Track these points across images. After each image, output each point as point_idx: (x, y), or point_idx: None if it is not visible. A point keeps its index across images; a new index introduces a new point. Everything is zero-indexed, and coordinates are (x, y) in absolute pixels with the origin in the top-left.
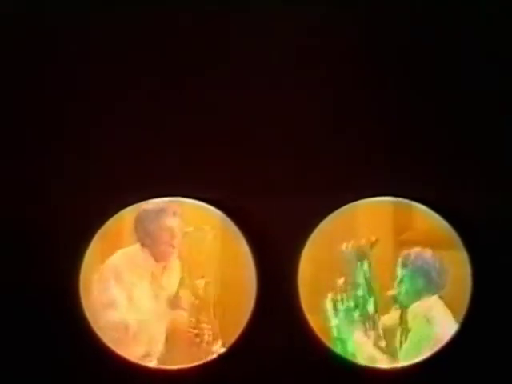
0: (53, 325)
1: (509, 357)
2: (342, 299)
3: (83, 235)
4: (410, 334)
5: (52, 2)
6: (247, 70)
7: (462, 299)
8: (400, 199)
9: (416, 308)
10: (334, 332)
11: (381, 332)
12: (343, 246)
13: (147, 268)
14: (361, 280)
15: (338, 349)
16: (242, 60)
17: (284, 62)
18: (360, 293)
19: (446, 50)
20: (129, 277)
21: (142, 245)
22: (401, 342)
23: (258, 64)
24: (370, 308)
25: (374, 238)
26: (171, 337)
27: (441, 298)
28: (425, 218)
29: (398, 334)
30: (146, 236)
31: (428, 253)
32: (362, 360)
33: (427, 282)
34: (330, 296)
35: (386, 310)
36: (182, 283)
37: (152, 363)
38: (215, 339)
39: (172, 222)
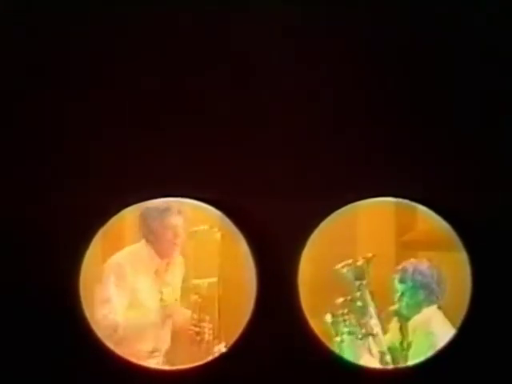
0: (53, 325)
1: (509, 359)
2: (345, 320)
3: (83, 235)
4: (412, 349)
5: (52, 2)
6: (247, 70)
7: (461, 302)
8: (401, 200)
9: (416, 321)
10: (338, 350)
11: (385, 349)
12: (340, 266)
13: (151, 264)
14: (360, 299)
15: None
16: (242, 60)
17: (284, 62)
18: (360, 311)
19: (446, 50)
20: (132, 273)
21: (147, 241)
22: (405, 357)
23: (258, 64)
24: (374, 327)
25: (370, 255)
26: (175, 333)
27: (439, 308)
28: (425, 218)
29: (401, 348)
30: (150, 233)
31: (425, 265)
32: None
33: (428, 293)
34: (330, 315)
35: (386, 325)
36: (185, 281)
37: (159, 359)
38: (216, 338)
39: (176, 220)
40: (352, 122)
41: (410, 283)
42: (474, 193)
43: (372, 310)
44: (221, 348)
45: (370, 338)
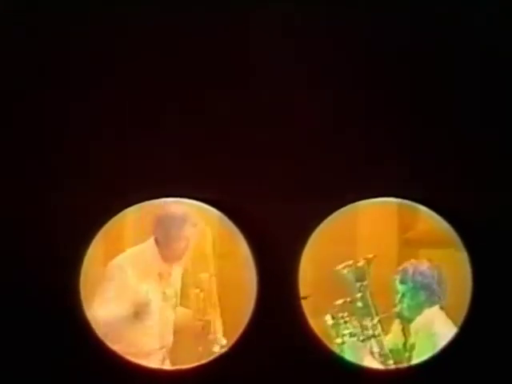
0: (53, 325)
1: (509, 357)
2: (345, 322)
3: (83, 235)
4: (415, 351)
5: (52, 2)
6: (247, 70)
7: (462, 301)
8: (401, 200)
9: (418, 322)
10: (339, 350)
11: (389, 354)
12: (341, 267)
13: (155, 265)
14: (361, 300)
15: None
16: (242, 61)
17: (284, 62)
18: (361, 312)
19: (446, 50)
20: (135, 274)
21: (156, 242)
22: (408, 359)
23: (258, 65)
24: (375, 329)
25: (370, 255)
26: (179, 331)
27: (442, 308)
28: (427, 219)
29: (404, 350)
30: (164, 238)
31: (425, 265)
32: None
33: (429, 294)
34: (330, 316)
35: (388, 327)
36: (185, 277)
37: (162, 356)
38: (219, 329)
39: (191, 232)
40: (352, 122)
41: (410, 284)
42: (473, 193)
43: (373, 311)
44: (224, 340)
45: (372, 340)
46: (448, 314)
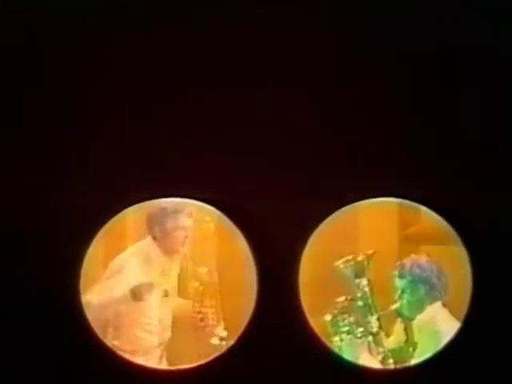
0: (53, 325)
1: (510, 355)
2: (344, 319)
3: (83, 235)
4: (418, 349)
5: (52, 2)
6: (247, 70)
7: (463, 298)
8: (401, 200)
9: (421, 320)
10: (337, 349)
11: (387, 352)
12: (340, 263)
13: (157, 261)
14: (360, 298)
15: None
16: (241, 61)
17: (284, 62)
18: (361, 311)
19: (446, 50)
20: (136, 271)
21: (154, 238)
22: (411, 358)
23: (257, 64)
24: (374, 326)
25: (370, 251)
26: (177, 324)
27: (444, 305)
28: (427, 219)
29: (407, 349)
30: (160, 232)
31: (423, 259)
32: None
33: (429, 289)
34: (330, 314)
35: (390, 327)
36: (184, 271)
37: (160, 353)
38: (219, 322)
39: (187, 222)
40: (352, 121)
41: (408, 277)
42: (473, 193)
43: (372, 308)
44: (223, 331)
45: (370, 338)
46: (452, 312)
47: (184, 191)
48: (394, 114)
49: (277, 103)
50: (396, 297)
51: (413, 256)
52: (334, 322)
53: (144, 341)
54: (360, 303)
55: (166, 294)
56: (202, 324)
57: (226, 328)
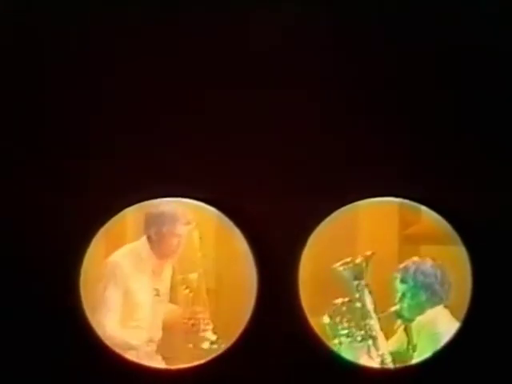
0: (53, 325)
1: (510, 354)
2: (342, 322)
3: (83, 235)
4: (418, 352)
5: (52, 2)
6: (247, 70)
7: (464, 299)
8: (402, 200)
9: (420, 322)
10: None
11: (387, 354)
12: (338, 265)
13: (149, 263)
14: (359, 300)
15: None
16: (241, 60)
17: (283, 61)
18: (360, 313)
19: (446, 50)
20: (130, 270)
21: (149, 240)
22: (411, 359)
23: (257, 64)
24: (373, 329)
25: (368, 253)
26: (168, 328)
27: (445, 307)
28: (427, 218)
29: (407, 351)
30: (156, 234)
31: (428, 264)
32: None
33: (430, 294)
34: (328, 316)
35: (390, 329)
36: (175, 278)
37: (152, 348)
38: (209, 326)
39: (183, 230)
40: (352, 121)
41: (411, 283)
42: (473, 193)
43: (372, 311)
44: (213, 335)
45: (370, 341)
46: (453, 313)
47: (184, 191)
48: (393, 114)
49: (277, 103)
50: (396, 299)
51: (417, 259)
52: (333, 325)
53: (133, 335)
54: (359, 305)
55: (158, 294)
56: (194, 329)
57: (224, 328)
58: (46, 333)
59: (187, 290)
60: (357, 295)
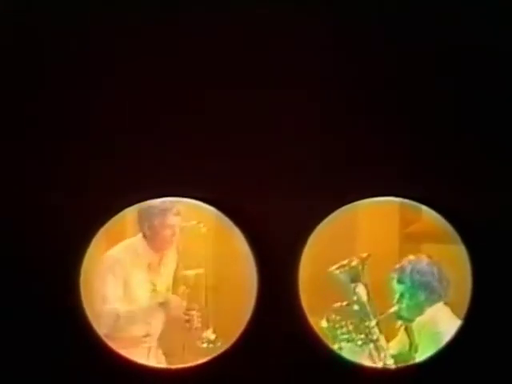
0: (53, 324)
1: (509, 354)
2: (342, 327)
3: (83, 235)
4: (419, 352)
5: (52, 2)
6: (247, 70)
7: (463, 298)
8: (402, 199)
9: (420, 322)
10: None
11: (389, 357)
12: (334, 268)
13: (145, 257)
14: (357, 302)
15: None
16: (241, 61)
17: (283, 61)
18: (358, 315)
19: (446, 50)
20: (128, 265)
21: (144, 236)
22: (414, 360)
23: (257, 64)
24: (374, 332)
25: (365, 255)
26: (168, 319)
27: (446, 304)
28: (427, 218)
29: (409, 352)
30: (149, 229)
31: (424, 262)
32: None
33: (429, 293)
34: (326, 320)
35: (390, 330)
36: (175, 273)
37: (151, 343)
38: (205, 326)
39: (175, 220)
40: (352, 121)
41: (408, 283)
42: (473, 193)
43: (370, 313)
44: (211, 335)
45: (371, 345)
46: (454, 311)
47: (184, 191)
48: (393, 114)
49: (277, 103)
50: (395, 300)
51: (412, 258)
52: (332, 329)
53: (131, 331)
54: (357, 308)
55: (154, 289)
56: (187, 326)
57: (224, 328)
58: (46, 333)
59: (184, 286)
60: (354, 298)
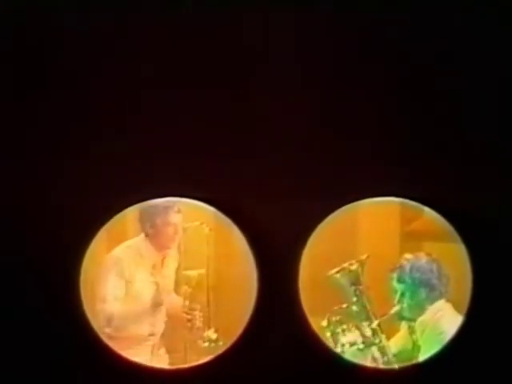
0: (53, 324)
1: (509, 353)
2: (343, 330)
3: (84, 235)
4: (422, 351)
5: (52, 2)
6: (246, 70)
7: (463, 297)
8: (402, 199)
9: (423, 321)
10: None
11: (392, 359)
12: (334, 272)
13: (149, 257)
14: (357, 304)
15: None
16: (240, 60)
17: (284, 61)
18: (359, 318)
19: (446, 50)
20: (130, 265)
21: (146, 235)
22: (416, 358)
23: (257, 64)
24: (375, 334)
25: (364, 256)
26: (169, 318)
27: (448, 301)
28: (428, 218)
29: (412, 352)
30: (151, 228)
31: (422, 260)
32: None
33: (429, 291)
34: (327, 322)
35: (393, 331)
36: (177, 274)
37: (155, 341)
38: (207, 325)
39: (177, 218)
40: (353, 121)
41: (408, 281)
42: (473, 193)
43: (371, 315)
44: (213, 334)
45: (373, 347)
46: (454, 307)
47: (184, 191)
48: (394, 114)
49: (277, 103)
50: (396, 300)
51: (410, 256)
52: (333, 334)
53: (134, 330)
54: (358, 310)
55: (157, 288)
56: (189, 325)
57: (224, 328)
58: (46, 333)
59: (186, 286)
60: (355, 300)
